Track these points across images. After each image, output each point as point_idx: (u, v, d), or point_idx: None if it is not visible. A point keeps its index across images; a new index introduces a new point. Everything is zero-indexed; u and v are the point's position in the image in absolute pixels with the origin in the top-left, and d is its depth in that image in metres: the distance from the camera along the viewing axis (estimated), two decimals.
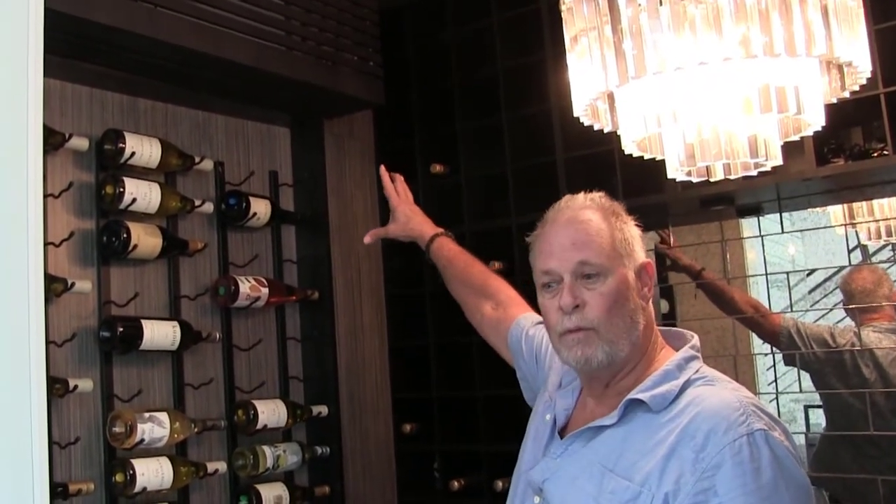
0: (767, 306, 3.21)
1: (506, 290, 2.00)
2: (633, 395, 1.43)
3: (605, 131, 1.90)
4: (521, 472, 1.60)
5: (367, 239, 2.31)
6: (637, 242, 1.53)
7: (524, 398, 1.90)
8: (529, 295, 1.73)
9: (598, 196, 1.57)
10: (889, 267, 3.13)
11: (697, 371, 1.46)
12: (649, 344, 1.51)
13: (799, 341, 3.03)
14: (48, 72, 1.08)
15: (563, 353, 1.51)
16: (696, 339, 1.54)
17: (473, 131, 3.47)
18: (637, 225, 1.56)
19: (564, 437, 1.52)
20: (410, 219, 2.20)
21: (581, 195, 1.57)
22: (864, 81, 1.68)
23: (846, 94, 1.72)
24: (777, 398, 3.24)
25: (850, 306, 3.07)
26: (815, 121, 1.70)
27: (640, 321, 1.49)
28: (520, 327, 1.89)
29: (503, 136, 3.32)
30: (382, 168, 2.30)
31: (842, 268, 3.20)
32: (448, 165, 3.50)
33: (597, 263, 1.46)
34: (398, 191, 2.26)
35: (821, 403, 3.19)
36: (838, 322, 3.17)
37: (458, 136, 3.47)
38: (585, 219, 1.51)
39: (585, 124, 1.86)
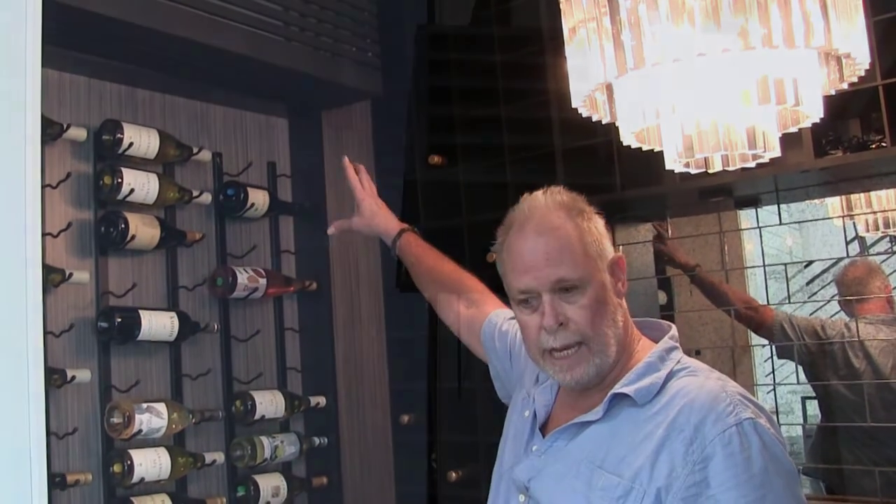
0: (765, 298, 3.21)
1: (478, 287, 1.98)
2: (617, 389, 1.42)
3: (604, 122, 1.89)
4: (502, 472, 1.59)
5: (331, 230, 2.30)
6: (605, 237, 1.50)
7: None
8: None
9: (559, 193, 1.53)
10: (887, 258, 3.13)
11: (679, 362, 1.46)
12: (628, 338, 1.50)
13: (791, 334, 3.05)
14: (46, 62, 1.07)
15: (548, 372, 1.50)
16: (674, 329, 1.53)
17: (472, 122, 3.46)
18: (598, 213, 1.53)
19: (548, 434, 1.50)
20: (376, 214, 2.20)
21: (540, 194, 1.54)
22: (862, 73, 1.67)
23: (845, 86, 1.71)
24: (774, 389, 3.24)
25: (844, 297, 3.08)
26: (813, 112, 1.70)
27: (621, 320, 1.47)
28: (492, 324, 1.87)
29: (501, 126, 3.32)
30: (346, 159, 2.28)
31: (839, 259, 3.20)
32: (446, 157, 3.49)
33: (575, 278, 1.43)
34: (363, 183, 2.24)
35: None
36: (834, 315, 3.18)
37: (456, 127, 3.46)
38: (554, 226, 1.46)
39: (584, 115, 1.86)
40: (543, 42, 3.22)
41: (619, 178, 2.97)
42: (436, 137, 3.52)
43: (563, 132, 3.15)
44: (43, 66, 1.05)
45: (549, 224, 1.47)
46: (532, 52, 3.25)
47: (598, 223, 1.50)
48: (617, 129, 1.87)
